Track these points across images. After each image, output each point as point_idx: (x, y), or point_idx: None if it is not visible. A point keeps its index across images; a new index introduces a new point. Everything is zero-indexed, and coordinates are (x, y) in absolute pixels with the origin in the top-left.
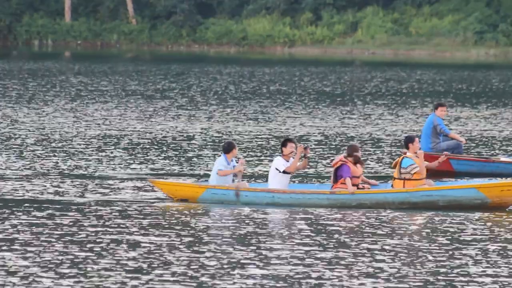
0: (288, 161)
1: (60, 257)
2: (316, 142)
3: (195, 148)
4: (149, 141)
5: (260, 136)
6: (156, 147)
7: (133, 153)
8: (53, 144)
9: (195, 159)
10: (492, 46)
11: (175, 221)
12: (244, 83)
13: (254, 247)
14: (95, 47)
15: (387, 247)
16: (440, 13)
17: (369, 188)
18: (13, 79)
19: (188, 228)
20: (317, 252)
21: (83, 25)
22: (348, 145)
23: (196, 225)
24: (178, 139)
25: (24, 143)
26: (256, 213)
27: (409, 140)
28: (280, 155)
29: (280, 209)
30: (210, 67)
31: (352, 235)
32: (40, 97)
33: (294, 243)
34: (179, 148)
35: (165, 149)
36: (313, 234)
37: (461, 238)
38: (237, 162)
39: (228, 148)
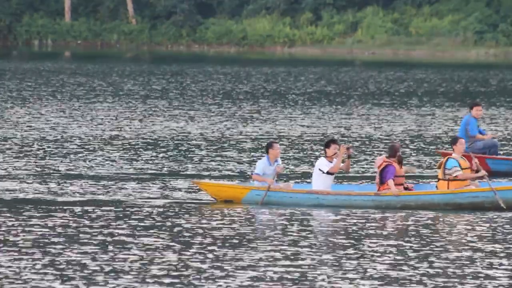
0: (331, 162)
1: (119, 258)
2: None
3: (236, 148)
4: (188, 141)
5: (303, 137)
6: (195, 147)
7: (174, 153)
8: (94, 145)
9: (237, 160)
10: (492, 46)
11: (218, 222)
12: (273, 83)
13: (298, 248)
14: (95, 47)
15: (435, 249)
16: (440, 13)
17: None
18: (13, 79)
19: (231, 229)
20: (364, 253)
21: (83, 25)
22: (389, 145)
23: (239, 226)
24: (218, 139)
25: (66, 143)
26: (300, 214)
27: (454, 141)
28: (323, 156)
29: (325, 210)
30: (229, 67)
31: (399, 237)
32: (57, 97)
33: (339, 245)
34: (220, 148)
35: (204, 149)
36: (357, 236)
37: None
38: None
39: (268, 149)
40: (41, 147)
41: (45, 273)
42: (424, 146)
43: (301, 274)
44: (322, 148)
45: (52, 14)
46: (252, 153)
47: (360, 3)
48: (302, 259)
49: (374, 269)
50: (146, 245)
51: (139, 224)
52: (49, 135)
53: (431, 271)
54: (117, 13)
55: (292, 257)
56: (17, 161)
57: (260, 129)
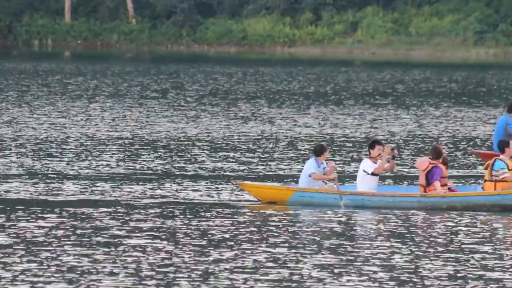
0: (375, 163)
1: (167, 259)
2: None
3: (280, 149)
4: (232, 142)
5: (348, 138)
6: (239, 148)
7: (216, 154)
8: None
9: (280, 160)
10: (492, 46)
11: (263, 223)
12: (323, 84)
13: (344, 250)
14: (95, 47)
15: (484, 250)
16: (440, 13)
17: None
18: (12, 79)
19: (275, 231)
20: (410, 255)
21: (83, 25)
22: (432, 147)
23: (283, 227)
24: (261, 140)
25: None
26: (345, 215)
27: (505, 144)
28: (367, 157)
29: (370, 211)
30: (247, 68)
31: (444, 238)
32: (55, 97)
33: (385, 246)
34: (264, 149)
35: (249, 150)
36: (402, 237)
37: None
38: (326, 164)
39: (319, 151)
40: (46, 147)
41: (59, 275)
42: (455, 146)
43: (346, 275)
44: (366, 149)
45: (52, 14)
46: (291, 153)
47: (360, 3)
48: (349, 260)
49: (427, 269)
50: (236, 247)
51: (229, 226)
52: (51, 135)
53: (482, 272)
54: (117, 13)
55: (339, 259)
56: (15, 161)
57: (300, 130)
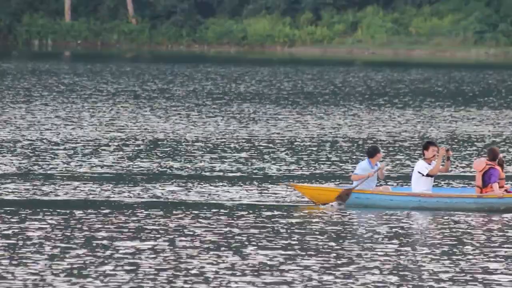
0: (430, 164)
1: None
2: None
3: (334, 151)
4: (281, 143)
5: (400, 138)
6: (290, 150)
7: (264, 155)
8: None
9: (334, 162)
10: (492, 46)
11: (317, 226)
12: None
13: (399, 252)
14: (95, 47)
15: None
16: (440, 13)
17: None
18: (10, 79)
19: (332, 232)
20: (469, 258)
21: (83, 25)
22: (489, 148)
23: (341, 229)
24: (312, 141)
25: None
26: (401, 217)
27: None
28: (422, 159)
29: (426, 213)
30: (283, 67)
31: (504, 240)
32: (53, 98)
33: (442, 248)
34: (317, 151)
35: (300, 152)
36: (459, 239)
37: None
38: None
39: (372, 153)
40: (48, 147)
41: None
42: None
43: (406, 276)
44: (420, 150)
45: (52, 14)
46: (343, 155)
47: (360, 3)
48: (407, 262)
49: (486, 271)
50: (290, 249)
51: (284, 227)
52: (49, 135)
53: None
54: (117, 13)
55: (396, 261)
56: (11, 161)
57: (349, 131)
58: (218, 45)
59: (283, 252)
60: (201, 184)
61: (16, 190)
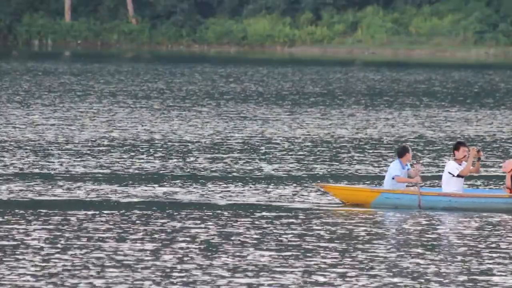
0: (461, 165)
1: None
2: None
3: (357, 151)
4: (306, 144)
5: (431, 139)
6: (314, 150)
7: (291, 156)
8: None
9: (360, 162)
10: (492, 45)
11: (347, 227)
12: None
13: (430, 252)
14: (95, 47)
15: None
16: (440, 13)
17: None
18: (9, 79)
19: (362, 233)
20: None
21: (83, 25)
22: None
23: (371, 230)
24: (339, 142)
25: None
26: (431, 217)
27: None
28: (452, 159)
29: (456, 213)
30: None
31: None
32: (52, 98)
33: (473, 249)
34: (342, 151)
35: (323, 152)
36: (490, 239)
37: None
38: (412, 166)
39: (402, 152)
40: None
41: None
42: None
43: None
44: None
45: (52, 14)
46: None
47: (360, 3)
48: (437, 262)
49: None
50: (319, 250)
51: (314, 228)
52: (47, 135)
53: None
54: (117, 13)
55: (427, 263)
56: (8, 161)
57: (379, 131)
58: (218, 45)
59: (323, 253)
60: (222, 184)
61: (15, 190)
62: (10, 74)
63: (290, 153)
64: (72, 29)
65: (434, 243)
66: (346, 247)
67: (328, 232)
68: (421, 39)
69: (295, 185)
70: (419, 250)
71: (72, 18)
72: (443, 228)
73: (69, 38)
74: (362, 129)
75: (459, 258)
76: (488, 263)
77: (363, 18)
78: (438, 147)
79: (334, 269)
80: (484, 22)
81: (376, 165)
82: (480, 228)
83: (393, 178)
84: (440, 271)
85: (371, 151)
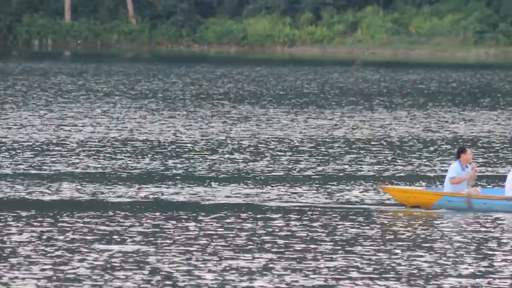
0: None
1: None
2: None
3: (419, 152)
4: (370, 143)
5: (487, 140)
6: (377, 150)
7: (356, 156)
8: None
9: (418, 163)
10: (492, 45)
11: (408, 229)
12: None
13: (493, 255)
14: (95, 47)
15: None
16: (440, 13)
17: None
18: (11, 79)
19: (425, 235)
20: None
21: (83, 25)
22: None
23: (434, 232)
24: (401, 142)
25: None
26: (492, 221)
27: None
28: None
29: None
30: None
31: None
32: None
33: None
34: (403, 151)
35: (386, 152)
36: None
37: None
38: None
39: (459, 152)
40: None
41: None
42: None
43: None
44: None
45: (52, 14)
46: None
47: (360, 3)
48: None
49: None
50: (380, 252)
51: (373, 230)
52: (45, 135)
53: None
54: (117, 13)
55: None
56: (6, 161)
57: (435, 132)
58: (218, 45)
59: (378, 254)
60: (241, 185)
61: (14, 190)
62: (9, 74)
63: (349, 153)
64: (72, 29)
65: (497, 245)
66: (413, 249)
67: (391, 233)
68: (421, 39)
69: (351, 185)
70: (487, 252)
71: (72, 18)
72: (506, 230)
73: (69, 38)
74: (419, 128)
75: None
76: None
77: (363, 18)
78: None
79: (397, 272)
80: (484, 22)
81: (430, 165)
82: None
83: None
84: (506, 272)
85: (426, 151)
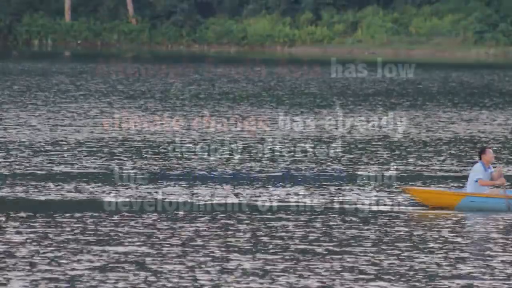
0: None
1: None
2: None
3: (438, 152)
4: (383, 143)
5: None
6: (391, 150)
7: (372, 156)
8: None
9: (441, 162)
10: (492, 45)
11: (408, 229)
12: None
13: None
14: (95, 47)
15: None
16: (440, 13)
17: None
18: (11, 79)
19: (447, 236)
20: None
21: (83, 25)
22: None
23: (457, 234)
24: (421, 142)
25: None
26: (492, 221)
27: None
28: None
29: None
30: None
31: None
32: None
33: None
34: (425, 152)
35: (403, 153)
36: None
37: None
38: (493, 168)
39: (480, 153)
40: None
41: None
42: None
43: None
44: None
45: (52, 14)
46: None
47: (360, 3)
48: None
49: None
50: (411, 254)
51: (395, 232)
52: (44, 136)
53: None
54: (117, 13)
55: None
56: (5, 161)
57: (455, 132)
58: (218, 45)
59: (406, 254)
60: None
61: (13, 190)
62: (9, 74)
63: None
64: (72, 29)
65: (497, 245)
66: (413, 250)
67: (391, 234)
68: (421, 39)
69: (372, 188)
70: (487, 252)
71: (72, 18)
72: (509, 230)
73: (69, 38)
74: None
75: None
76: None
77: (363, 18)
78: None
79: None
80: (484, 22)
81: (452, 165)
82: None
83: (476, 181)
84: (506, 273)
85: (449, 150)
